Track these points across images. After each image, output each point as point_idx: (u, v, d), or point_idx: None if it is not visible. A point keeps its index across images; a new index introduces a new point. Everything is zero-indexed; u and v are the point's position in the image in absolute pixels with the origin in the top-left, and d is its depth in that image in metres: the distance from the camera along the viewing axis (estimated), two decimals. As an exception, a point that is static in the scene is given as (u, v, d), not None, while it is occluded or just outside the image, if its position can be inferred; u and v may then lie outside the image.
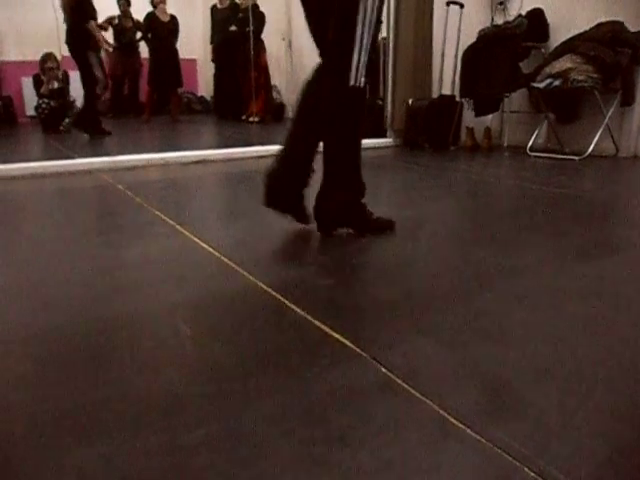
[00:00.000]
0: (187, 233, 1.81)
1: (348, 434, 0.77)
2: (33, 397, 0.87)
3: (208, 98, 8.58)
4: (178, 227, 1.89)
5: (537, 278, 1.38)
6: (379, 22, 1.69)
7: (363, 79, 1.66)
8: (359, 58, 1.64)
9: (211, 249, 1.63)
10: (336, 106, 1.71)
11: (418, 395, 0.86)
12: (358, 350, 1.00)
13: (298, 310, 1.17)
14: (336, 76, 1.67)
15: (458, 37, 4.16)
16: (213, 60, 7.32)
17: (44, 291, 1.33)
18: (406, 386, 0.89)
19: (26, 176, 3.12)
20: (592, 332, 1.09)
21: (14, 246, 1.76)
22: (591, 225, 1.95)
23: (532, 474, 0.68)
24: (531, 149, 3.78)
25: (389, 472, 0.69)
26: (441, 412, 0.82)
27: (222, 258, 1.54)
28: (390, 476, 0.69)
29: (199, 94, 8.86)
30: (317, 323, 1.10)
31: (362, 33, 1.63)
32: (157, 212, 2.13)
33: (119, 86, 7.52)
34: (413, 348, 1.02)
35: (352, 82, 1.64)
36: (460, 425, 0.78)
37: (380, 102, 4.62)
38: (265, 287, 1.31)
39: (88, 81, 5.04)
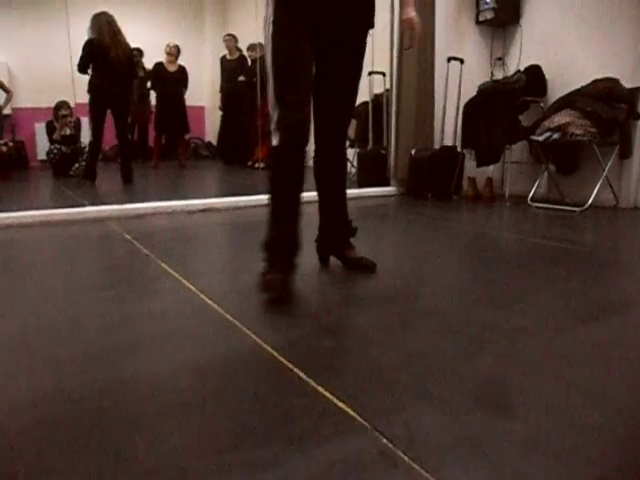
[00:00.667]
0: (193, 288, 1.84)
1: (349, 511, 0.77)
2: (37, 464, 0.88)
3: (215, 144, 8.79)
4: (184, 281, 1.92)
5: (538, 341, 1.40)
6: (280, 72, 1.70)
7: (276, 137, 1.71)
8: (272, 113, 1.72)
9: (216, 305, 1.66)
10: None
11: (418, 468, 0.87)
12: (360, 419, 1.01)
13: (302, 374, 1.19)
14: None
15: (459, 91, 4.29)
16: (221, 108, 7.56)
17: (49, 349, 1.36)
18: (406, 458, 0.89)
19: (35, 224, 3.18)
20: (591, 401, 1.09)
21: (20, 297, 1.79)
22: (592, 283, 1.97)
23: None
24: (532, 199, 3.84)
25: None
26: (441, 488, 0.82)
27: (227, 316, 1.56)
28: None
29: (206, 140, 9.09)
30: (320, 389, 1.12)
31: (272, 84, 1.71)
32: (163, 265, 2.17)
33: (129, 133, 7.73)
34: (414, 417, 1.03)
35: (273, 142, 1.74)
36: (460, 503, 0.79)
37: (383, 152, 4.74)
38: (269, 349, 1.33)
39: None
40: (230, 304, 1.66)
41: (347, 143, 2.20)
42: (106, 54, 4.91)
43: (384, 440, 0.94)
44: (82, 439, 0.96)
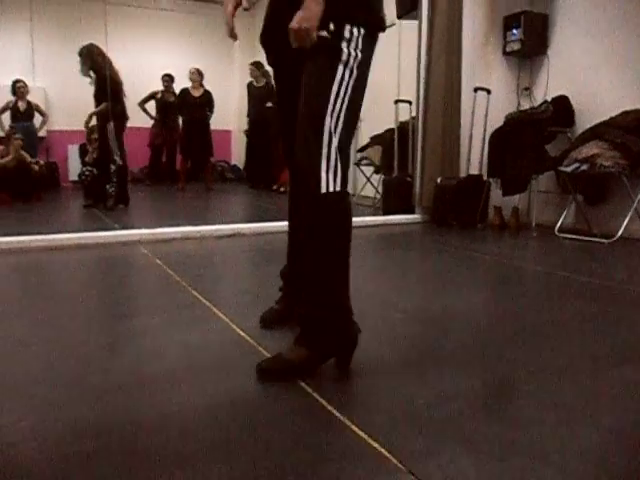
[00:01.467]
0: (225, 318, 1.88)
1: None
2: (84, 499, 0.91)
3: (240, 167, 8.95)
4: (216, 310, 1.96)
5: (570, 383, 1.39)
6: (354, 105, 1.39)
7: (338, 182, 1.34)
8: (328, 157, 1.33)
9: (247, 337, 1.69)
10: (311, 218, 1.40)
11: (455, 515, 0.88)
12: (394, 461, 1.02)
13: (336, 412, 1.20)
14: (306, 180, 1.37)
15: (485, 120, 4.32)
16: (246, 133, 7.73)
17: (87, 378, 1.40)
18: (443, 504, 0.90)
19: (67, 247, 3.28)
20: (627, 447, 1.08)
21: (54, 323, 1.85)
22: (624, 321, 1.95)
23: None
24: (560, 230, 3.81)
25: None
26: (479, 537, 0.83)
27: (259, 348, 1.59)
28: None
29: (232, 163, 9.26)
30: (354, 428, 1.13)
31: (332, 124, 1.34)
32: (194, 292, 2.21)
33: (158, 155, 7.95)
34: (448, 459, 1.03)
35: (323, 189, 1.33)
36: None
37: (409, 179, 4.77)
38: (303, 385, 1.35)
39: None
40: (261, 337, 1.69)
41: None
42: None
43: (420, 484, 0.95)
44: (122, 475, 0.99)
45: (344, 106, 1.37)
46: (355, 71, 1.38)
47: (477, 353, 1.60)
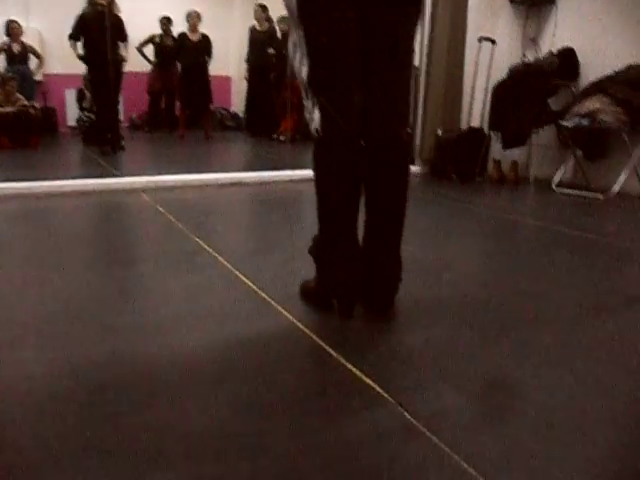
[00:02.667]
0: (227, 264, 1.96)
1: (375, 473, 0.89)
2: (99, 428, 1.02)
3: (241, 115, 8.83)
4: (219, 257, 2.04)
5: (555, 331, 1.49)
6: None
7: (316, 122, 1.43)
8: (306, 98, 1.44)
9: (250, 282, 1.77)
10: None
11: (436, 441, 0.98)
12: (386, 395, 1.12)
13: (332, 352, 1.30)
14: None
15: (489, 72, 4.27)
16: (247, 79, 7.57)
17: (102, 318, 1.49)
18: (427, 432, 1.00)
19: (68, 193, 3.31)
20: (598, 390, 1.19)
21: (65, 266, 1.93)
22: (611, 274, 2.04)
23: (534, 523, 0.79)
24: (557, 184, 3.85)
25: (411, 512, 0.81)
26: (456, 457, 0.93)
27: (261, 293, 1.68)
28: (412, 516, 0.81)
29: (232, 111, 9.13)
30: (349, 366, 1.23)
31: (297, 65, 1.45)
32: (198, 239, 2.29)
33: (156, 101, 7.83)
34: (434, 395, 1.13)
35: (312, 131, 1.46)
36: (472, 471, 0.90)
37: (409, 131, 4.75)
38: (302, 326, 1.44)
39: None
40: (263, 282, 1.77)
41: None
42: None
43: (407, 415, 1.06)
44: (138, 405, 1.09)
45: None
46: None
47: (468, 302, 1.69)
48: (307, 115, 1.50)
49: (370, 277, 1.50)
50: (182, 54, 7.14)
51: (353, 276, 1.48)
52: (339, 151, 1.45)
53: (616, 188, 3.54)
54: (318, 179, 1.50)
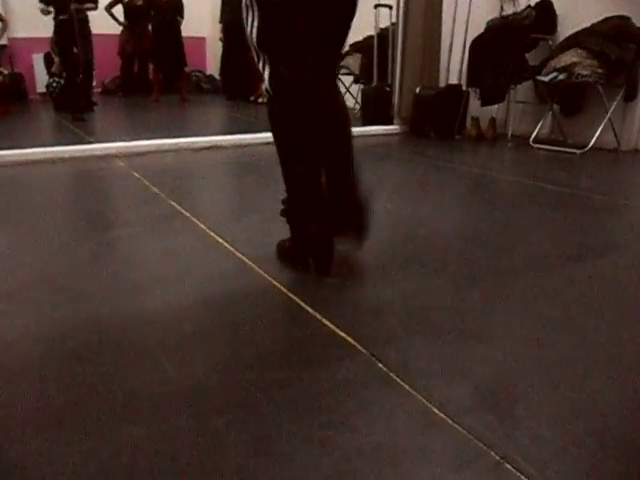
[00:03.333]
0: (203, 227, 1.95)
1: (349, 421, 0.92)
2: (75, 386, 1.03)
3: (217, 77, 8.61)
4: (194, 220, 2.03)
5: (524, 280, 1.52)
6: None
7: (266, 82, 1.45)
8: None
9: (226, 244, 1.77)
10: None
11: (408, 388, 1.01)
12: (359, 347, 1.14)
13: (308, 308, 1.32)
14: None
15: (466, 27, 4.21)
16: (221, 40, 7.35)
17: (74, 284, 1.48)
18: (399, 380, 1.03)
19: (40, 161, 3.24)
20: (565, 333, 1.23)
21: (37, 234, 1.91)
22: (583, 225, 2.08)
23: (497, 458, 0.83)
24: (534, 140, 3.87)
25: (381, 453, 0.85)
26: (427, 404, 0.97)
27: (237, 254, 1.68)
28: (382, 456, 0.84)
29: (208, 73, 8.90)
30: (325, 321, 1.25)
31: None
32: (174, 203, 2.26)
33: (129, 65, 7.58)
34: (406, 346, 1.16)
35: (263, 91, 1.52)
36: (442, 415, 0.93)
37: (388, 89, 4.70)
38: (278, 284, 1.45)
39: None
40: (240, 243, 1.77)
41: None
42: None
43: (380, 365, 1.08)
44: (114, 364, 1.10)
45: None
46: None
47: (441, 256, 1.72)
48: (260, 72, 1.48)
49: (337, 210, 1.52)
50: (154, 15, 6.90)
51: (325, 228, 1.48)
52: (292, 106, 1.46)
53: (591, 143, 3.57)
54: (277, 137, 1.51)
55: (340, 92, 1.68)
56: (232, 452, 0.85)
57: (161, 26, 6.82)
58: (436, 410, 0.95)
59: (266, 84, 1.46)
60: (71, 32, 4.85)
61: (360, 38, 5.37)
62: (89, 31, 5.19)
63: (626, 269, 1.63)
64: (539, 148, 3.78)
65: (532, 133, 3.89)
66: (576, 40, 3.65)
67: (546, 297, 1.42)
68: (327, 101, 1.56)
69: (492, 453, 0.84)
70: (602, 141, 3.66)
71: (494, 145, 4.05)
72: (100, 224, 2.08)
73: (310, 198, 1.51)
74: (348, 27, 1.58)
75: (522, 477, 0.79)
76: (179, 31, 6.93)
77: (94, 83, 5.94)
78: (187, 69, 7.40)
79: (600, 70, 3.47)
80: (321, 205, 1.50)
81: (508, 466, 0.81)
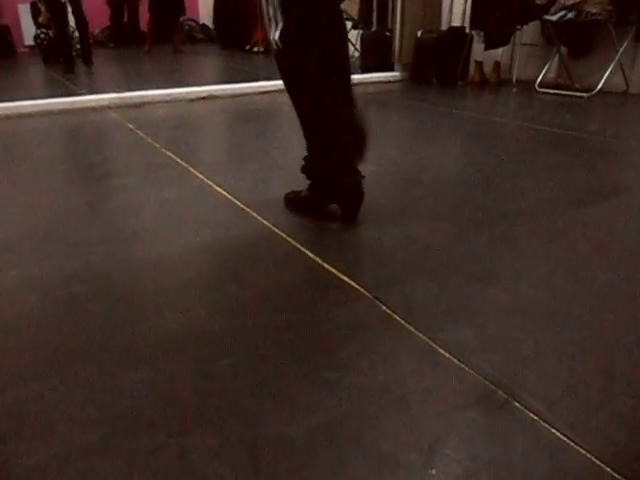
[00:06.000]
0: (200, 176, 1.89)
1: (352, 362, 0.90)
2: (74, 333, 1.00)
3: (210, 26, 8.31)
4: (191, 169, 1.97)
5: (530, 223, 1.48)
6: None
7: (276, 36, 1.34)
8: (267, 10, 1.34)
9: (225, 192, 1.73)
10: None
11: (413, 330, 0.99)
12: (362, 290, 1.12)
13: (308, 253, 1.28)
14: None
15: (471, -36, 3.99)
16: (215, -15, 7.05)
17: (71, 234, 1.45)
18: (403, 322, 1.01)
19: (32, 114, 3.15)
20: (573, 275, 1.20)
21: (32, 186, 1.86)
22: (590, 169, 2.02)
23: (505, 396, 0.81)
24: (540, 85, 3.74)
25: (387, 394, 0.83)
26: (432, 344, 0.94)
27: (236, 202, 1.64)
28: (387, 397, 0.82)
29: (201, 22, 8.58)
30: (326, 265, 1.22)
31: None
32: (170, 153, 2.20)
33: (119, 14, 7.30)
34: (411, 289, 1.13)
35: (272, 42, 1.38)
36: (448, 355, 0.91)
37: (388, 34, 4.52)
38: (278, 231, 1.41)
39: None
40: (239, 191, 1.72)
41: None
42: None
43: (383, 307, 1.06)
44: (112, 311, 1.07)
45: None
46: None
47: (446, 199, 1.67)
48: (267, 23, 1.37)
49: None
50: None
51: (357, 180, 1.45)
52: (305, 61, 1.36)
53: (599, 86, 3.45)
54: (293, 92, 1.41)
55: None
56: (234, 395, 0.83)
57: None
58: (441, 350, 0.93)
59: (275, 36, 1.34)
60: None
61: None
62: None
63: (634, 211, 1.58)
64: (545, 92, 3.66)
65: (538, 77, 3.76)
66: (586, -24, 3.46)
67: (554, 239, 1.38)
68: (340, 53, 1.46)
69: (499, 392, 0.82)
70: (611, 84, 3.53)
71: (498, 90, 3.92)
72: (94, 175, 2.02)
73: (340, 149, 1.44)
74: None
75: (531, 414, 0.78)
76: None
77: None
78: (181, 18, 7.12)
79: (610, 8, 3.31)
80: (351, 155, 1.45)
81: (516, 404, 0.80)
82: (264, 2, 1.36)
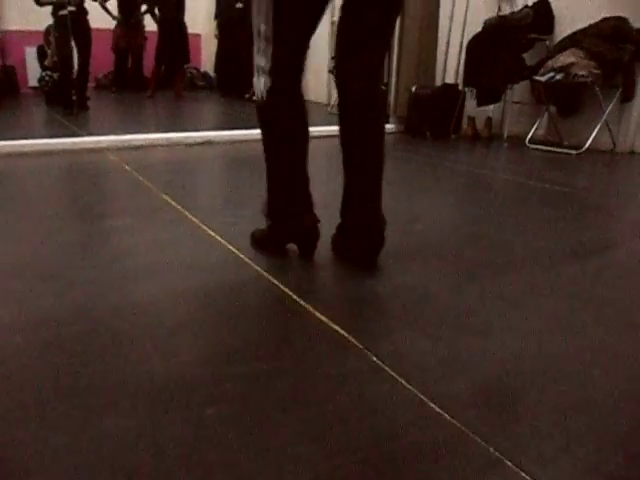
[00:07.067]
0: (194, 220, 1.90)
1: (342, 415, 0.88)
2: (59, 376, 0.98)
3: (211, 74, 8.56)
4: (186, 213, 1.98)
5: (522, 277, 1.49)
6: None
7: (263, 90, 1.37)
8: (257, 62, 1.38)
9: (218, 237, 1.73)
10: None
11: (403, 382, 0.98)
12: (353, 340, 1.11)
13: (299, 300, 1.28)
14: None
15: (464, 26, 4.19)
16: (217, 36, 7.31)
17: (64, 273, 1.44)
18: (394, 374, 1.00)
19: (31, 153, 3.18)
20: (563, 329, 1.20)
21: (27, 224, 1.86)
22: (578, 225, 2.05)
23: (496, 454, 0.80)
24: (530, 141, 3.85)
25: (377, 448, 0.81)
26: (423, 398, 0.93)
27: (228, 246, 1.64)
28: (377, 450, 0.80)
29: (202, 70, 8.84)
30: (317, 314, 1.21)
31: (258, 26, 1.36)
32: (165, 197, 2.22)
33: (123, 60, 7.51)
34: (402, 340, 1.13)
35: (256, 97, 1.42)
36: (438, 410, 0.90)
37: (383, 88, 4.67)
38: (270, 277, 1.41)
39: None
40: (231, 236, 1.73)
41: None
42: None
43: (374, 358, 1.05)
44: (99, 355, 1.05)
45: None
46: None
47: (438, 251, 1.69)
48: (255, 78, 1.43)
49: (354, 235, 1.51)
50: (159, 10, 6.75)
51: (315, 221, 1.53)
52: (283, 122, 1.46)
53: (588, 144, 3.56)
54: (265, 142, 1.51)
55: (377, 99, 1.53)
56: (220, 446, 0.81)
57: (168, 19, 6.69)
58: (432, 404, 0.91)
59: (260, 89, 1.41)
60: (71, 28, 4.77)
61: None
62: (88, 27, 5.11)
63: (622, 266, 1.61)
64: (535, 148, 3.76)
65: (528, 133, 3.88)
66: (573, 40, 3.64)
67: (544, 292, 1.39)
68: (368, 106, 1.46)
69: (491, 449, 0.81)
70: (598, 142, 3.65)
71: (490, 145, 4.03)
72: (90, 215, 2.03)
73: (297, 195, 1.54)
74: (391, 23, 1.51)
75: (522, 474, 0.76)
76: (185, 26, 6.83)
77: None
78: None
79: (597, 71, 3.46)
80: (310, 201, 1.54)
81: (508, 463, 0.78)
82: (256, 50, 1.41)
